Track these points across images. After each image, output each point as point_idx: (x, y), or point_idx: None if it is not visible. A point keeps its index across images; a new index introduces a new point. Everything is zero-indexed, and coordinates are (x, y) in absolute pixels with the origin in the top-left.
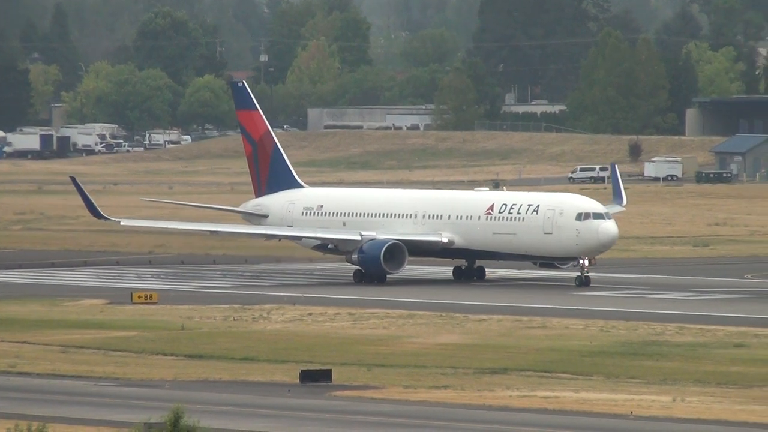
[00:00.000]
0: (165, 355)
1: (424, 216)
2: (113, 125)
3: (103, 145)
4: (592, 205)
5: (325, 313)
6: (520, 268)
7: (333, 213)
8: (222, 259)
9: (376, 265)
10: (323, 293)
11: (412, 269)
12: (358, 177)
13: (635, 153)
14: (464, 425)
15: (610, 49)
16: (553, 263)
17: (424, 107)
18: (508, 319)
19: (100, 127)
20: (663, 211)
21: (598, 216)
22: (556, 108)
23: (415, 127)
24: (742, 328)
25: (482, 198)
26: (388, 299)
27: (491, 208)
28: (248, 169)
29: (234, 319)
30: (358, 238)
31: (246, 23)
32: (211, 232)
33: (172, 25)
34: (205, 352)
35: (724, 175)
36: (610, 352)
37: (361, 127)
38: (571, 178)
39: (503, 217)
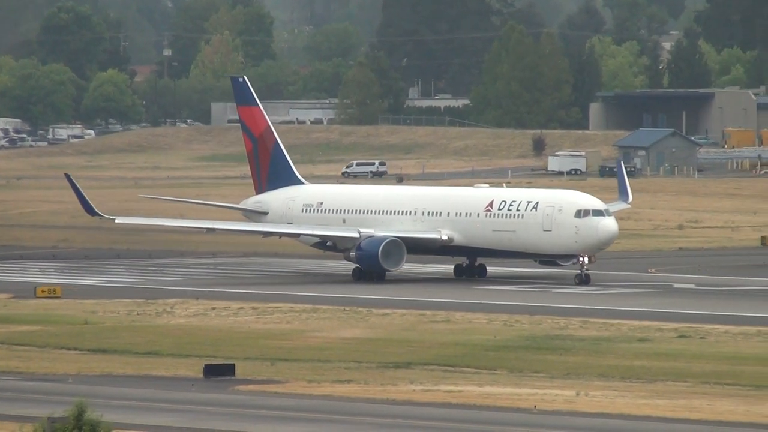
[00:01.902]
0: (68, 349)
1: (423, 213)
2: (17, 120)
3: (6, 139)
4: (591, 202)
5: (229, 307)
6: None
7: (333, 210)
8: (126, 254)
9: (374, 262)
10: (227, 287)
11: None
12: None
13: (539, 147)
14: (368, 419)
15: (513, 43)
16: (554, 261)
17: (327, 101)
18: (412, 314)
19: (3, 122)
20: None
21: (598, 213)
22: (459, 102)
23: (318, 122)
24: (646, 323)
25: (482, 195)
26: (292, 294)
27: (491, 205)
28: (248, 166)
29: (137, 314)
30: (356, 235)
31: (149, 18)
32: (208, 229)
33: (76, 20)
34: (109, 346)
35: (628, 169)
36: (513, 346)
37: None
38: (345, 172)
39: (503, 215)
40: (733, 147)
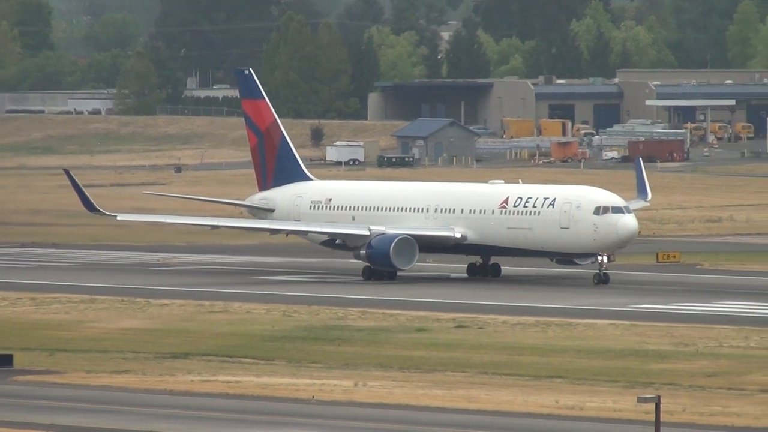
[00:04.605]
0: None
1: (436, 210)
2: None
3: None
4: (610, 198)
5: (6, 297)
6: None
7: (342, 207)
8: None
9: (385, 260)
10: (5, 278)
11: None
12: (39, 162)
13: (317, 137)
14: (145, 410)
15: (291, 33)
16: (571, 259)
17: (106, 92)
18: (191, 304)
19: None
20: None
21: (617, 210)
22: (237, 92)
23: (96, 112)
24: (424, 313)
25: (496, 191)
26: (70, 284)
27: (506, 201)
28: (252, 162)
29: None
30: (367, 233)
31: None
32: (212, 226)
33: None
34: None
35: (406, 159)
36: (292, 336)
37: (42, 112)
38: None
39: (518, 212)
40: (512, 137)
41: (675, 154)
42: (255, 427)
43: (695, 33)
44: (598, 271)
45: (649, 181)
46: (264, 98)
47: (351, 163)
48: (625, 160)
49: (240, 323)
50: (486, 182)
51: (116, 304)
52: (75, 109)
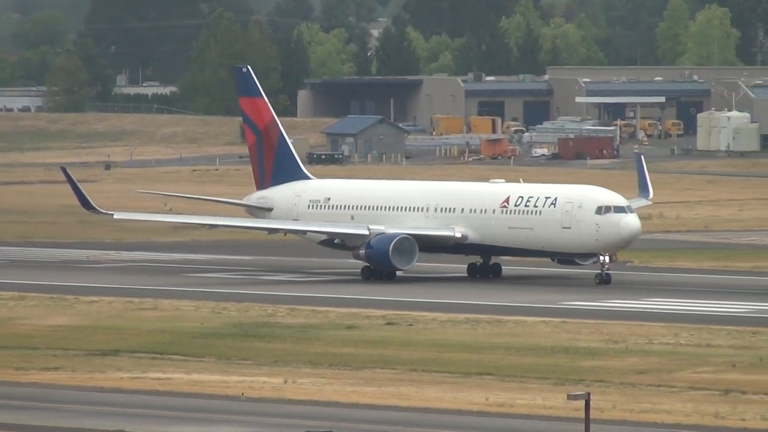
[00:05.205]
0: None
1: (436, 209)
2: None
3: None
4: (613, 198)
5: None
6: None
7: (341, 206)
8: None
9: (384, 260)
10: None
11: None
12: None
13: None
14: (75, 407)
15: (221, 30)
16: (573, 259)
17: (35, 89)
18: (120, 301)
19: None
20: None
21: (620, 209)
22: (167, 89)
23: (26, 109)
24: (354, 310)
25: (497, 190)
26: (2, 281)
27: (507, 201)
28: (250, 160)
29: None
30: (366, 232)
31: None
32: (210, 225)
33: None
34: None
35: (336, 156)
36: (221, 333)
37: None
38: None
39: (519, 211)
40: (442, 134)
41: (605, 151)
42: (185, 424)
43: (624, 30)
44: (600, 272)
45: (577, 179)
46: (262, 96)
47: None
48: (555, 157)
49: (169, 320)
50: (487, 181)
51: (45, 301)
52: (5, 106)
